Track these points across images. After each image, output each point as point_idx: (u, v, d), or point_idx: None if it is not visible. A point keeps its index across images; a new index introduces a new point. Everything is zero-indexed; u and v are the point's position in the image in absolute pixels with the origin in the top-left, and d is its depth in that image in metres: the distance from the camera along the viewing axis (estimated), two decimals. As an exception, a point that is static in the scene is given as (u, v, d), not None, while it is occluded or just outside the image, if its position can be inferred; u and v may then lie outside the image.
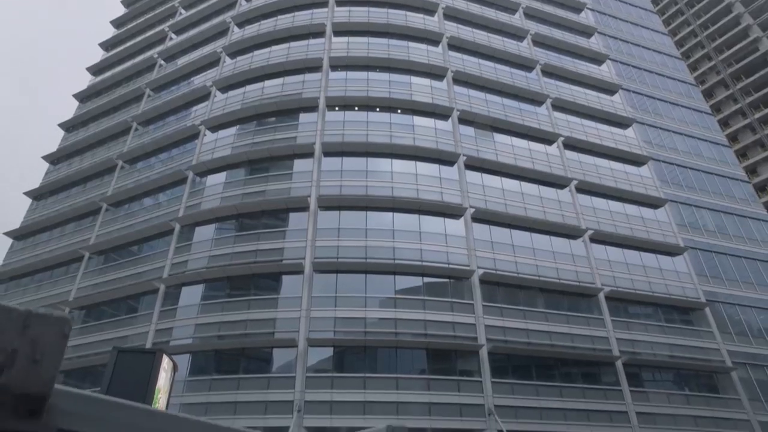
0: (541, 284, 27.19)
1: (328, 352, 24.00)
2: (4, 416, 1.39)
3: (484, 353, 24.03)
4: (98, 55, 50.20)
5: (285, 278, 25.67)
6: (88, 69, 47.60)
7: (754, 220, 36.21)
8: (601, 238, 30.34)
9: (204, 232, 28.39)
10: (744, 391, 27.20)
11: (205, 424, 2.13)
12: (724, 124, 58.58)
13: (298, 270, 25.36)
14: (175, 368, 10.90)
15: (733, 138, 58.43)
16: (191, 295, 26.36)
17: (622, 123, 37.41)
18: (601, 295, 27.86)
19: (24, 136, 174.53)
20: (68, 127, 43.51)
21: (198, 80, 37.80)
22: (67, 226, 35.28)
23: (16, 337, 1.38)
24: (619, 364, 25.82)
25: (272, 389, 22.69)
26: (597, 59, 41.13)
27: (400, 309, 24.69)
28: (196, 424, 2.12)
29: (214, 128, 33.18)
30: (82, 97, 45.50)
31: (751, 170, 56.18)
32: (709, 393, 27.01)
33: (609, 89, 39.20)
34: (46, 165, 41.74)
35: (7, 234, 37.05)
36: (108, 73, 45.64)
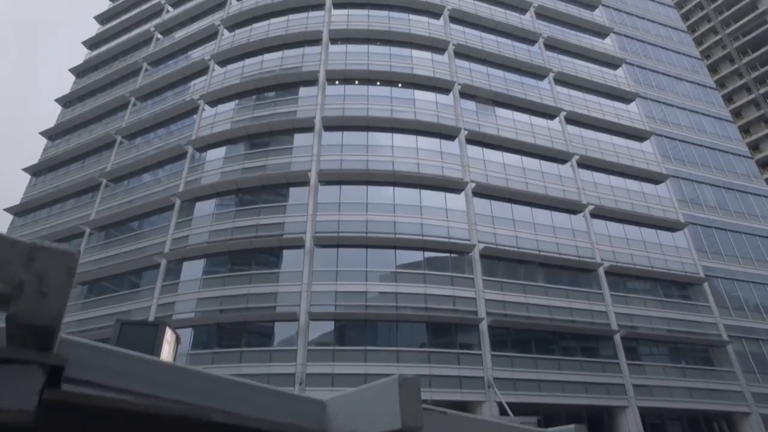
0: (542, 259, 27.30)
1: (330, 325, 24.23)
2: (15, 348, 1.38)
3: (484, 327, 24.27)
4: (94, 28, 49.26)
5: (286, 252, 25.75)
6: (84, 43, 46.83)
7: (755, 196, 36.18)
8: (601, 213, 30.35)
9: (204, 207, 28.37)
10: (739, 363, 27.60)
11: (206, 375, 2.13)
12: (727, 99, 57.98)
13: (298, 244, 25.44)
14: (178, 341, 10.99)
15: (736, 114, 57.90)
16: (192, 269, 26.49)
17: (625, 97, 37.02)
18: (601, 270, 28.00)
19: (22, 110, 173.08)
20: (65, 102, 43.04)
21: (196, 54, 37.25)
22: (66, 202, 35.23)
23: (22, 269, 1.36)
24: (617, 338, 26.11)
25: (274, 362, 22.99)
26: (601, 32, 40.44)
27: (400, 283, 24.84)
28: (199, 375, 2.12)
29: (213, 103, 32.84)
30: (79, 71, 44.88)
31: (754, 146, 55.86)
32: (704, 366, 27.40)
33: (612, 63, 38.68)
34: (44, 141, 41.46)
35: (8, 210, 37.03)
36: (104, 47, 44.93)
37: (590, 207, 30.02)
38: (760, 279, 31.81)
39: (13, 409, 1.27)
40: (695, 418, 27.51)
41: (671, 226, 31.50)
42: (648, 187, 32.90)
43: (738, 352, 28.15)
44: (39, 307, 1.34)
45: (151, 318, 24.95)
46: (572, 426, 3.14)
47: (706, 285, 29.76)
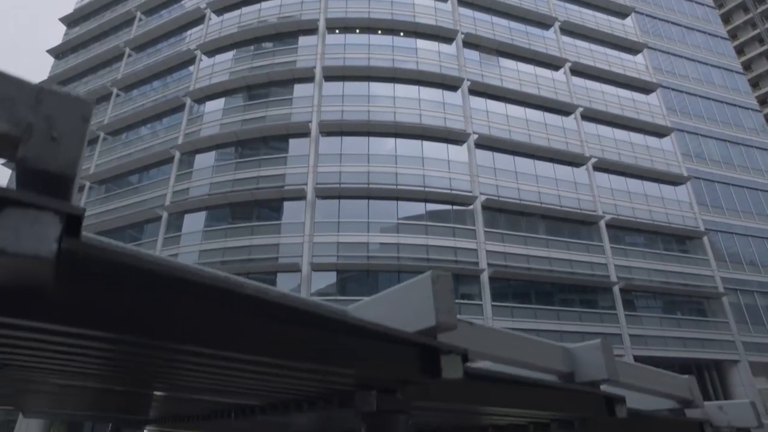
0: (543, 211, 27.33)
1: (332, 276, 24.49)
2: (30, 192, 1.30)
3: (485, 278, 24.55)
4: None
5: (287, 204, 25.73)
6: (74, -10, 45.14)
7: (761, 150, 35.83)
8: (604, 167, 30.15)
9: (204, 160, 28.14)
10: (732, 314, 28.14)
11: (212, 275, 2.07)
12: (738, 51, 56.36)
13: (300, 196, 25.38)
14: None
15: (746, 66, 56.52)
16: (194, 222, 26.55)
17: (632, 48, 36.04)
18: (602, 223, 28.07)
19: (13, 61, 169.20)
20: (57, 53, 41.91)
21: (191, 2, 35.94)
22: (65, 156, 34.86)
23: (30, 111, 1.28)
24: (616, 289, 26.47)
25: (278, 312, 23.33)
26: (610, -21, 38.91)
27: (402, 234, 24.95)
28: (226, 282, 2.06)
29: (211, 53, 32.00)
30: (70, 21, 43.45)
31: (762, 100, 54.86)
32: (698, 317, 27.94)
33: (621, 12, 37.42)
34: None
35: (5, 165, 36.75)
36: (95, -5, 43.32)
37: (593, 160, 29.79)
38: (759, 233, 31.97)
39: (29, 254, 1.20)
40: (687, 367, 28.21)
41: (674, 180, 31.36)
42: (652, 141, 32.54)
43: (732, 303, 28.64)
44: (50, 152, 1.26)
45: (154, 270, 25.16)
46: (598, 341, 3.16)
47: (705, 239, 29.92)
